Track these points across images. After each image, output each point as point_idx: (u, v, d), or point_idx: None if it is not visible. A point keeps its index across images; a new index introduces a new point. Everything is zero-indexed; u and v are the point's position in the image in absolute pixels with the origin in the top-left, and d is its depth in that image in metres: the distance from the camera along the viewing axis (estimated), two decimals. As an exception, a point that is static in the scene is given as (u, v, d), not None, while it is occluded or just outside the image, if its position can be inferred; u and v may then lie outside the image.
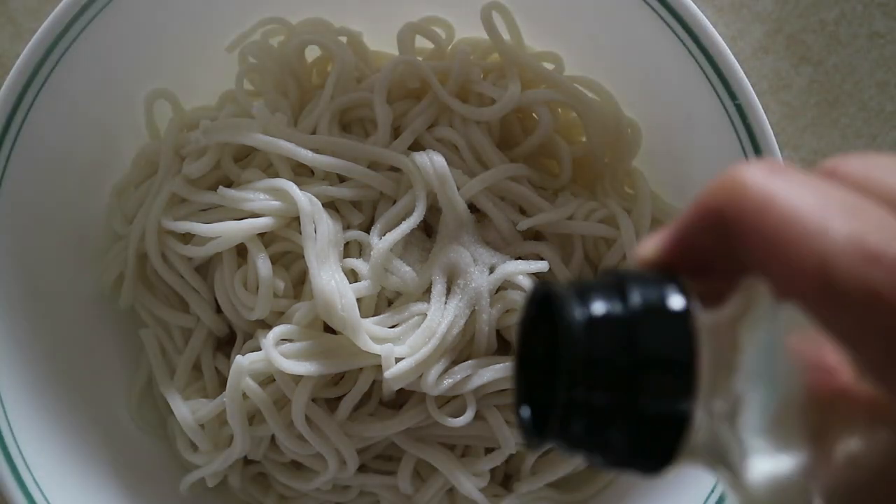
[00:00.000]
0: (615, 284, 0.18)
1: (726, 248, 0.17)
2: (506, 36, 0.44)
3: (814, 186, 0.16)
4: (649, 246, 0.19)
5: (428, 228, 0.44)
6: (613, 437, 0.17)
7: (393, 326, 0.42)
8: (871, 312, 0.15)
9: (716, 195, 0.17)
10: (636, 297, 0.17)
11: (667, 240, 0.19)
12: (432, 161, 0.42)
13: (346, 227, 0.43)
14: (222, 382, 0.43)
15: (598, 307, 0.18)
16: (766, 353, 0.17)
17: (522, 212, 0.44)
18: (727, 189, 0.17)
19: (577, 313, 0.18)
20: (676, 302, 0.17)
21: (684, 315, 0.17)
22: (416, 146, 0.44)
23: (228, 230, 0.42)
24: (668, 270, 0.18)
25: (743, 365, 0.17)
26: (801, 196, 0.16)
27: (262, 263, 0.41)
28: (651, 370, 0.17)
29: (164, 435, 0.46)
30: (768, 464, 0.17)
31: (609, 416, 0.17)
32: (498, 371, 0.41)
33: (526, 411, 0.19)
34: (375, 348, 0.40)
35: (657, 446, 0.17)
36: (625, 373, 0.17)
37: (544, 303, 0.19)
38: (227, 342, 0.46)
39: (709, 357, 0.17)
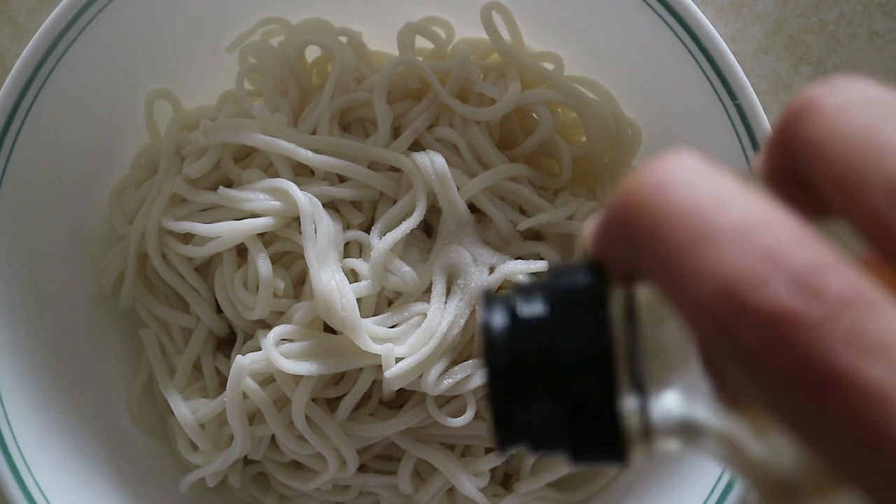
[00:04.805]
0: (542, 285, 0.18)
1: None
2: (506, 36, 0.44)
3: (711, 199, 0.15)
4: (585, 233, 0.19)
5: (428, 228, 0.44)
6: (559, 435, 0.18)
7: (393, 326, 0.42)
8: (743, 371, 0.15)
9: (618, 205, 0.17)
10: (555, 295, 0.18)
11: (592, 236, 0.18)
12: (432, 161, 0.42)
13: (346, 227, 0.43)
14: (222, 382, 0.43)
15: (518, 310, 0.18)
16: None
17: (522, 212, 0.44)
18: (626, 201, 0.17)
19: (496, 320, 0.18)
20: (591, 295, 0.17)
21: (597, 307, 0.17)
22: (416, 146, 0.44)
23: (228, 230, 0.42)
24: (598, 261, 0.18)
25: (667, 345, 0.17)
26: (692, 218, 0.15)
27: (263, 263, 0.41)
28: (568, 366, 0.17)
29: (164, 435, 0.46)
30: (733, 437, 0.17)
31: (545, 417, 0.18)
32: (498, 371, 0.41)
33: (493, 417, 0.19)
34: (375, 348, 0.40)
35: (602, 438, 0.17)
36: (546, 373, 0.17)
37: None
38: (228, 342, 0.46)
39: (632, 344, 0.17)
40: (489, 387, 0.18)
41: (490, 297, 0.19)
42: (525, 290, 0.18)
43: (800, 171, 0.17)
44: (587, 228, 0.18)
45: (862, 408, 0.14)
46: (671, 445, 0.18)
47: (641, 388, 0.17)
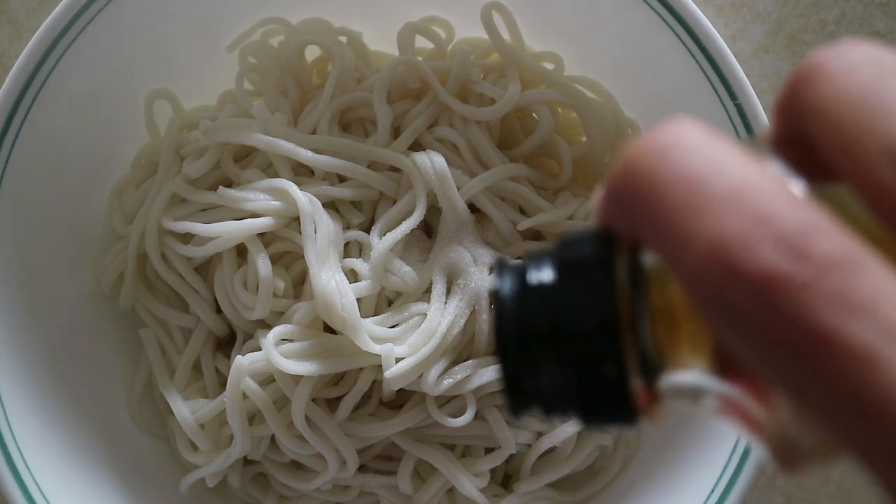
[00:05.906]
0: (552, 253, 0.19)
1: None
2: (506, 36, 0.44)
3: (707, 165, 0.16)
4: (591, 201, 0.19)
5: (428, 228, 0.44)
6: (568, 398, 0.18)
7: (393, 326, 0.42)
8: (735, 333, 0.15)
9: (619, 172, 0.17)
10: (563, 262, 0.18)
11: (598, 204, 0.18)
12: (432, 161, 0.42)
13: (346, 227, 0.43)
14: (222, 382, 0.43)
15: (528, 277, 0.19)
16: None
17: (522, 212, 0.44)
18: (626, 167, 0.17)
19: (506, 287, 0.19)
20: (597, 262, 0.18)
21: (603, 273, 0.18)
22: (416, 146, 0.44)
23: (228, 230, 0.42)
24: (605, 228, 0.19)
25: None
26: (688, 183, 0.15)
27: (262, 263, 0.41)
28: (574, 331, 0.18)
29: (164, 435, 0.46)
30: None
31: (554, 381, 0.18)
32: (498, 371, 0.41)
33: (504, 381, 0.20)
34: (375, 348, 0.40)
35: (610, 401, 0.18)
36: (554, 338, 0.18)
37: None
38: (227, 342, 0.46)
39: (639, 308, 0.17)
40: (499, 352, 0.19)
41: (501, 265, 0.19)
42: (535, 258, 0.19)
43: (806, 136, 0.17)
44: (595, 197, 0.19)
45: (847, 367, 0.14)
46: (678, 406, 0.18)
47: (648, 352, 0.17)
